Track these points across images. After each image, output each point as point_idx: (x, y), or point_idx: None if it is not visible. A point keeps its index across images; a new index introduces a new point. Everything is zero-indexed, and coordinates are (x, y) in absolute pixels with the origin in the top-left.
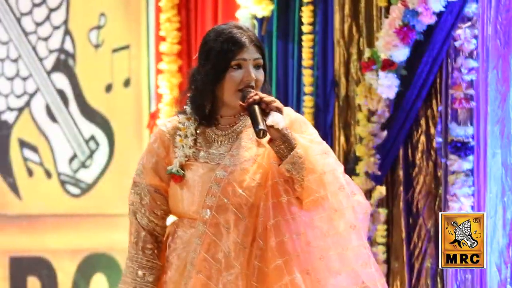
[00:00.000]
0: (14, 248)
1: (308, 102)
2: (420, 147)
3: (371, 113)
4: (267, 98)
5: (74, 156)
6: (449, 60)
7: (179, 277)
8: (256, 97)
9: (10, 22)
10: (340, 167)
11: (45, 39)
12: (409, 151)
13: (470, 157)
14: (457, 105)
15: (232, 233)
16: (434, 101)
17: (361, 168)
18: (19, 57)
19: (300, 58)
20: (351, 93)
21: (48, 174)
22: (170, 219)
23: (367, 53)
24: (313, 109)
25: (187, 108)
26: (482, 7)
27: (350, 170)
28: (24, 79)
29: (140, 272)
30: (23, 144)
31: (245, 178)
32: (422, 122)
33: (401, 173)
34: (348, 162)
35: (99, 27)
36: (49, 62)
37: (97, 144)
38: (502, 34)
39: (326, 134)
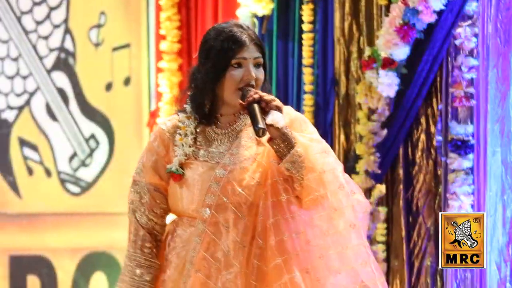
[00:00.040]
0: (14, 246)
1: (308, 100)
2: (420, 145)
3: (371, 111)
4: (267, 97)
5: (74, 155)
6: (449, 59)
7: (178, 276)
8: (256, 96)
9: (10, 21)
10: (340, 166)
11: (45, 38)
12: (409, 149)
13: (470, 156)
14: (457, 104)
15: (231, 232)
16: (434, 100)
17: (361, 166)
18: (19, 55)
19: (300, 56)
20: (351, 92)
21: (48, 172)
22: (170, 218)
23: (367, 52)
24: (313, 108)
25: (187, 107)
26: (483, 6)
27: (350, 169)
28: (24, 77)
29: (138, 271)
30: (23, 142)
31: (245, 177)
32: (422, 120)
33: (401, 171)
34: (348, 161)
35: (99, 26)
36: (49, 61)
37: (97, 142)
38: (502, 33)
39: (326, 132)
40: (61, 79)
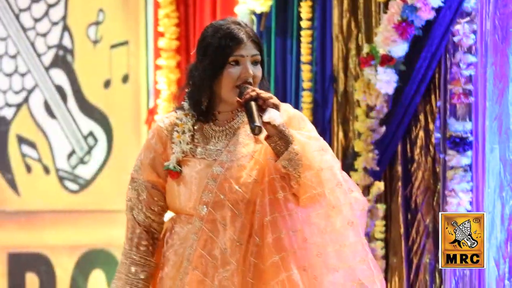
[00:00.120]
0: (13, 244)
1: (306, 97)
2: (418, 142)
3: (370, 108)
4: (264, 94)
5: (72, 152)
6: (447, 55)
7: (176, 273)
8: (253, 93)
9: (8, 18)
10: (338, 164)
11: (44, 35)
12: (408, 146)
13: (469, 153)
14: (455, 100)
15: (228, 229)
16: (432, 97)
17: (359, 163)
18: (17, 53)
19: (298, 53)
20: (349, 89)
21: (47, 170)
22: (168, 215)
23: (365, 49)
24: (311, 105)
25: (185, 104)
26: (481, 2)
27: (349, 166)
28: (23, 75)
29: (132, 269)
30: (21, 140)
31: (242, 174)
32: (421, 117)
33: (399, 168)
34: (347, 158)
35: (97, 23)
36: (48, 58)
37: (96, 140)
38: (500, 29)
39: (325, 129)
40: (59, 76)
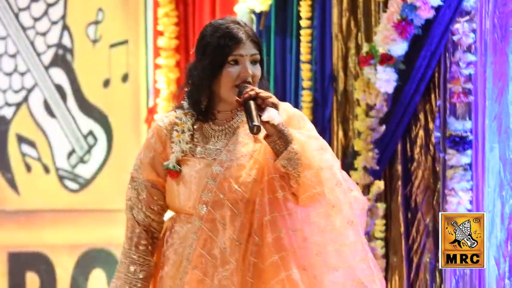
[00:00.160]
0: (13, 243)
1: (306, 96)
2: (418, 141)
3: (370, 107)
4: (263, 93)
5: (72, 151)
6: (447, 54)
7: (176, 272)
8: (252, 93)
9: (8, 17)
10: (337, 163)
11: (43, 34)
12: (408, 145)
13: (468, 152)
14: (455, 99)
15: (228, 229)
16: (432, 96)
17: (359, 162)
18: (17, 52)
19: (298, 52)
20: (349, 88)
21: (46, 169)
22: (168, 214)
23: (365, 48)
24: (311, 104)
25: (185, 103)
26: (480, 1)
27: (349, 165)
28: (22, 74)
29: (131, 268)
30: (21, 139)
31: (241, 173)
32: (421, 116)
33: (399, 167)
34: (347, 157)
35: (97, 22)
36: (47, 57)
37: (95, 139)
38: (499, 28)
39: (324, 128)
40: (59, 75)
